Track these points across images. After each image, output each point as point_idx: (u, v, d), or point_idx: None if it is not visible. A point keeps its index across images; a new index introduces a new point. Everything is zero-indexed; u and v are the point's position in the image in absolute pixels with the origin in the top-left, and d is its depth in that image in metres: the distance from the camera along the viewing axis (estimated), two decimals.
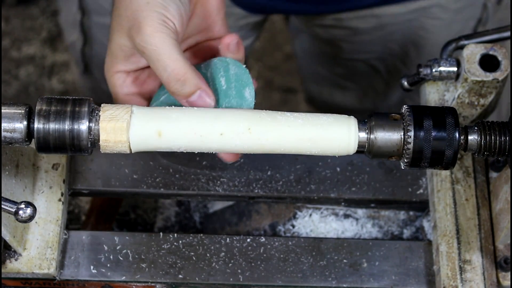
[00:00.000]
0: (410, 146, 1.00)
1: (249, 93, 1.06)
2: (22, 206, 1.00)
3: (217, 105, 1.07)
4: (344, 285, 1.22)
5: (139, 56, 1.10)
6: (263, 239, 1.24)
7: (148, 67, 1.12)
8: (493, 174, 1.24)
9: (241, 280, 1.22)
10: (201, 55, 1.17)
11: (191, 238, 1.24)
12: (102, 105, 1.01)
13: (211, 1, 1.15)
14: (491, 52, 1.20)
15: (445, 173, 1.24)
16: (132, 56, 1.11)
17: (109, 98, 1.15)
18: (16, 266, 1.18)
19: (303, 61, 1.94)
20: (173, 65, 1.03)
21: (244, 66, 1.10)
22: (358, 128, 1.01)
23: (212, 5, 1.15)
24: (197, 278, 1.21)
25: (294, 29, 1.84)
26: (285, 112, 1.02)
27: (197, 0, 1.14)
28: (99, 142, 0.99)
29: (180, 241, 1.24)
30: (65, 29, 1.86)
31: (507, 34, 1.25)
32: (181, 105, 1.06)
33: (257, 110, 1.03)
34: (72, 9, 1.69)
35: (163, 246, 1.23)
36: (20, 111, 0.99)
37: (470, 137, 1.02)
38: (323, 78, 1.89)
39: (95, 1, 1.64)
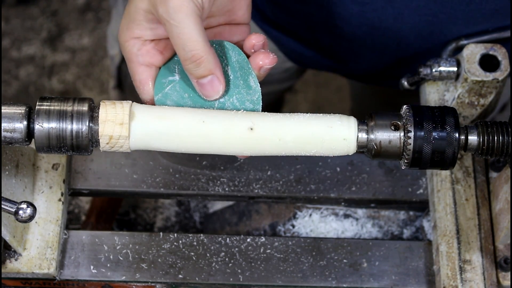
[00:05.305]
0: (410, 146, 0.99)
1: (254, 81, 1.05)
2: (22, 206, 1.00)
3: (227, 95, 1.05)
4: (344, 285, 1.22)
5: (158, 23, 1.04)
6: (263, 239, 1.24)
7: (167, 37, 1.05)
8: (493, 174, 1.24)
9: (241, 280, 1.22)
10: (221, 38, 1.11)
11: (191, 238, 1.24)
12: (101, 102, 1.00)
13: None
14: (491, 52, 1.20)
15: (445, 173, 1.24)
16: (151, 22, 1.04)
17: None
18: (16, 266, 1.18)
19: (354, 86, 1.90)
20: (192, 46, 0.99)
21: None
22: (358, 128, 1.01)
23: None
24: (197, 278, 1.21)
25: None
26: (285, 113, 1.02)
27: None
28: (99, 141, 0.99)
29: (180, 241, 1.23)
30: (109, 40, 1.79)
31: (507, 34, 1.25)
32: (182, 103, 1.05)
33: (257, 112, 1.02)
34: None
35: (163, 246, 1.23)
36: (20, 111, 0.99)
37: (470, 137, 1.01)
38: (373, 105, 1.84)
39: None
